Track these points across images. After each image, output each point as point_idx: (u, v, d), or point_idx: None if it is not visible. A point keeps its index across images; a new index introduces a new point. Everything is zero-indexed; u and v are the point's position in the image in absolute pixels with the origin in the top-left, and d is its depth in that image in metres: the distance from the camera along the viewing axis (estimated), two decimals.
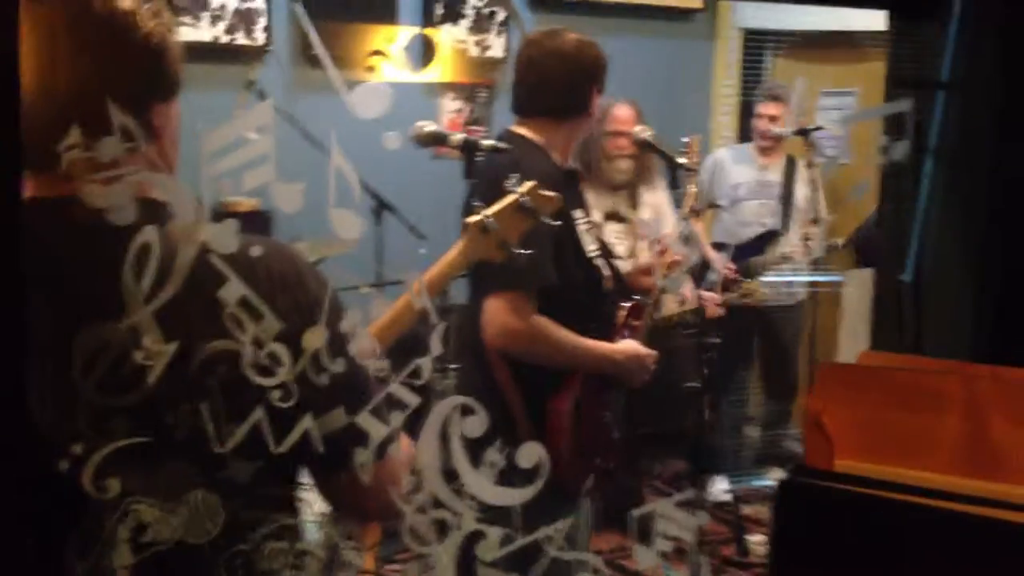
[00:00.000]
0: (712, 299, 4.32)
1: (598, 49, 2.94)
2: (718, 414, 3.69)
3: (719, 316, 3.44)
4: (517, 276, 2.51)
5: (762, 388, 5.91)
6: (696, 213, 3.24)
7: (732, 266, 5.07)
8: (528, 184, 2.22)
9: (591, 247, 2.93)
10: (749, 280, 4.94)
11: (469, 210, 2.51)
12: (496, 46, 5.75)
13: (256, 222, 4.92)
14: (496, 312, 2.73)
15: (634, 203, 4.60)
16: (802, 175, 5.30)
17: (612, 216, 4.55)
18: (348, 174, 1.31)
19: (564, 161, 2.98)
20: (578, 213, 2.93)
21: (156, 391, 1.30)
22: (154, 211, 1.28)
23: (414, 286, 1.65)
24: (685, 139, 3.45)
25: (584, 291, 2.92)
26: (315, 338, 1.32)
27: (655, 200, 4.67)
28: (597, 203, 4.39)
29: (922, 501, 1.22)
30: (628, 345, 2.96)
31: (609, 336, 2.98)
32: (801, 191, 5.30)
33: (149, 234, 1.25)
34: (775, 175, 5.49)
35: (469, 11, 5.64)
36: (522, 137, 2.92)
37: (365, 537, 2.78)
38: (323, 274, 1.48)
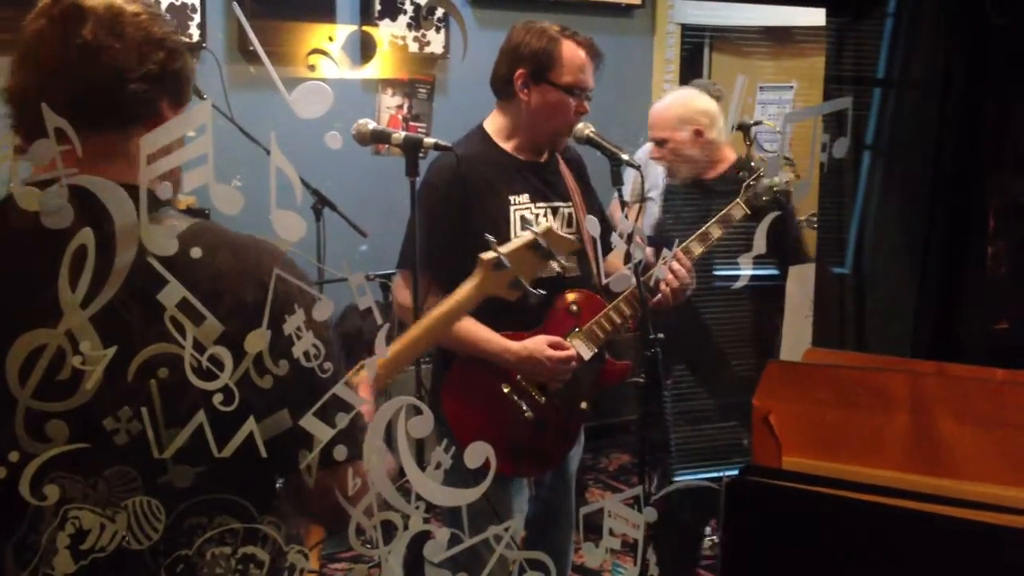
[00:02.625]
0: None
1: (529, 36, 2.98)
2: (662, 408, 3.69)
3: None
4: (413, 257, 2.72)
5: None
6: (637, 208, 3.25)
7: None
8: (544, 225, 2.27)
9: (521, 231, 2.92)
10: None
11: (414, 211, 2.59)
12: (435, 42, 5.73)
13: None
14: (395, 287, 3.04)
15: None
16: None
17: None
18: (289, 173, 1.29)
19: (519, 146, 3.06)
20: (522, 198, 3.00)
21: (95, 396, 1.27)
22: (92, 213, 1.25)
23: (422, 321, 1.76)
24: None
25: None
26: (258, 340, 1.30)
27: None
28: None
29: (870, 498, 1.23)
30: (530, 344, 2.96)
31: (532, 322, 2.99)
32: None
33: (86, 237, 1.22)
34: None
35: (408, 7, 5.62)
36: (479, 128, 3.08)
37: (308, 536, 2.76)
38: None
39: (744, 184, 3.29)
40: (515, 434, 2.98)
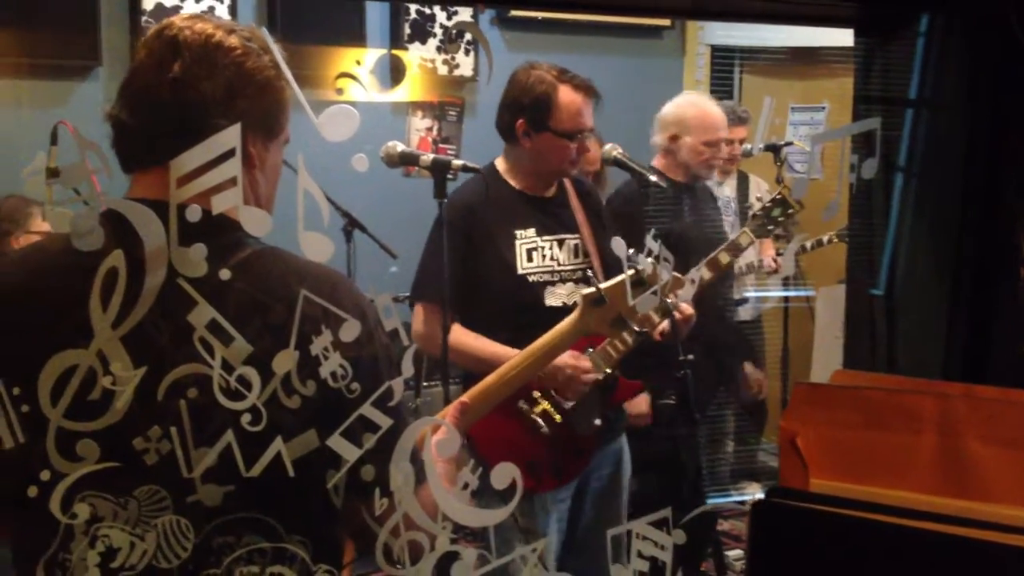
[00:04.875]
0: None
1: (527, 85, 3.07)
2: (694, 430, 3.68)
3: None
4: (422, 291, 3.05)
5: (731, 402, 5.92)
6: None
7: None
8: (648, 262, 2.28)
9: (527, 264, 3.07)
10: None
11: (435, 235, 2.76)
12: (465, 65, 5.75)
13: None
14: (413, 319, 3.12)
15: None
16: (755, 189, 5.37)
17: None
18: (316, 194, 1.29)
19: (529, 184, 3.17)
20: (528, 232, 3.09)
21: (125, 416, 1.28)
22: (122, 235, 1.26)
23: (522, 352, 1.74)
24: None
25: (515, 305, 3.07)
26: (287, 360, 1.31)
27: None
28: None
29: (897, 520, 1.22)
30: None
31: None
32: (756, 205, 5.32)
33: (116, 259, 1.23)
34: (731, 190, 5.53)
35: (437, 30, 5.65)
36: (491, 165, 3.20)
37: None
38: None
39: (752, 214, 3.34)
40: (532, 450, 3.03)
